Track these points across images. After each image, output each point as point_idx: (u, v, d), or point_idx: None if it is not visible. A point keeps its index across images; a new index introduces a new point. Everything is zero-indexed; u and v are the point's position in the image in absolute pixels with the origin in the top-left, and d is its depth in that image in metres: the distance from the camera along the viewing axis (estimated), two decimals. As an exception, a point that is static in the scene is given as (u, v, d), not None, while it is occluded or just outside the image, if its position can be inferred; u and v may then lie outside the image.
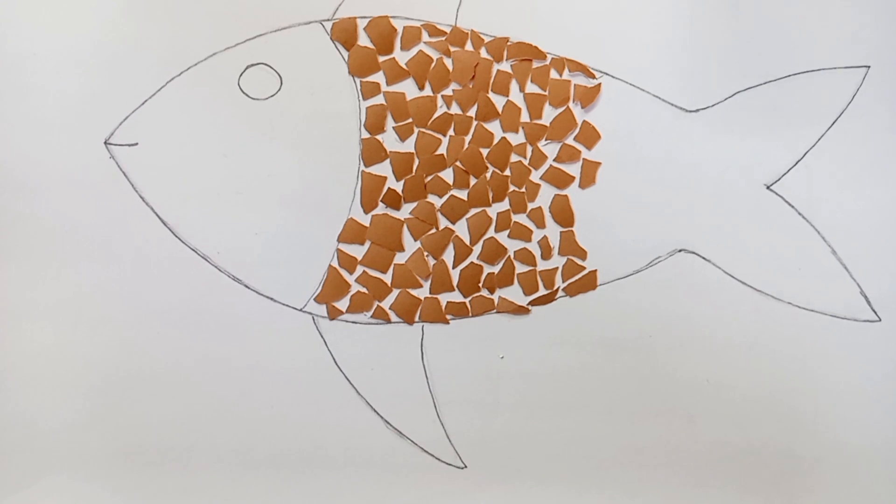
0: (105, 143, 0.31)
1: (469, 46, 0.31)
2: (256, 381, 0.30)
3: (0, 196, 0.31)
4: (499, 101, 0.31)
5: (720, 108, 0.31)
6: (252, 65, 0.31)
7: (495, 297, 0.31)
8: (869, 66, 0.31)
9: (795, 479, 0.30)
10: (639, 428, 0.30)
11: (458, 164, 0.31)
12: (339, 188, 0.31)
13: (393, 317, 0.31)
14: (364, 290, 0.31)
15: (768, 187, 0.31)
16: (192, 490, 0.30)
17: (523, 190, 0.31)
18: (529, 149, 0.31)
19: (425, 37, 0.31)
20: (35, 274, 0.31)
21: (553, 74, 0.32)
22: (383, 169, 0.31)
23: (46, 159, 0.31)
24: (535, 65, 0.32)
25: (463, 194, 0.31)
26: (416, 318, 0.31)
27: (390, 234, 0.31)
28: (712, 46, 0.31)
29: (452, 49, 0.31)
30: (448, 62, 0.31)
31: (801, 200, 0.31)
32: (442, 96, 0.31)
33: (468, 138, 0.31)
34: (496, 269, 0.31)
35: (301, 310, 0.31)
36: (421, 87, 0.31)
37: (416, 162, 0.31)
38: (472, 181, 0.31)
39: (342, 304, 0.31)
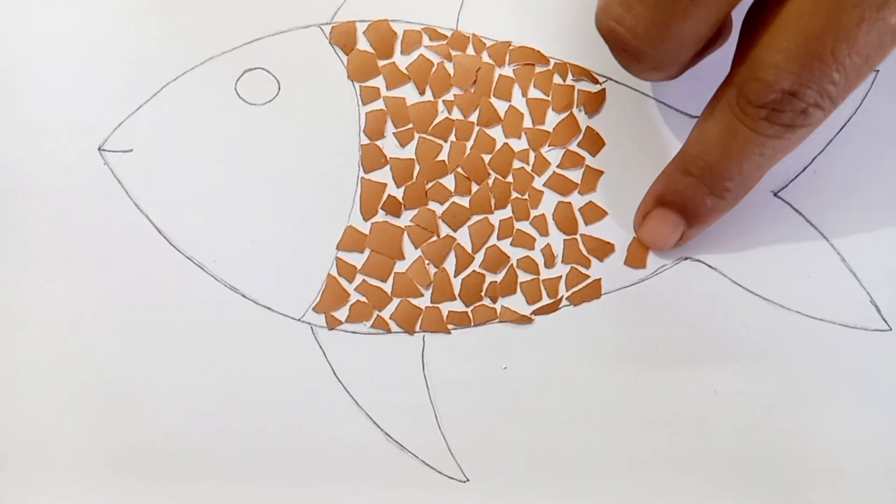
0: (99, 149, 0.30)
1: (471, 50, 0.31)
2: (253, 392, 0.30)
3: (-9, 203, 0.30)
4: (501, 107, 0.31)
5: (726, 114, 0.30)
6: (249, 69, 0.31)
7: (498, 306, 0.30)
8: (878, 70, 0.31)
9: (806, 491, 0.30)
10: (645, 439, 0.30)
11: (459, 170, 0.31)
12: (338, 195, 0.30)
13: (393, 326, 0.30)
14: (364, 299, 0.30)
15: (775, 194, 0.31)
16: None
17: (526, 197, 0.31)
18: (532, 155, 0.31)
19: (426, 41, 0.31)
20: (27, 282, 0.30)
21: (556, 79, 0.31)
22: (383, 175, 0.31)
23: (39, 165, 0.30)
24: (538, 69, 0.31)
25: (465, 201, 0.31)
26: (417, 328, 0.30)
27: (390, 241, 0.30)
28: (718, 51, 0.30)
29: (454, 53, 0.31)
30: (449, 66, 0.31)
31: (809, 207, 0.31)
32: (443, 101, 0.31)
33: (470, 144, 0.31)
34: (498, 277, 0.31)
35: (299, 319, 0.30)
36: (421, 92, 0.31)
37: (417, 168, 0.31)
38: (474, 188, 0.31)
39: (341, 314, 0.30)
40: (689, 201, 0.28)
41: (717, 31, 0.25)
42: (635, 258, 0.31)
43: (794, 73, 0.22)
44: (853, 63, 0.22)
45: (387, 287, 0.30)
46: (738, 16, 0.25)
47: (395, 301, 0.30)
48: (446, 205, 0.31)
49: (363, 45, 0.31)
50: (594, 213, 0.31)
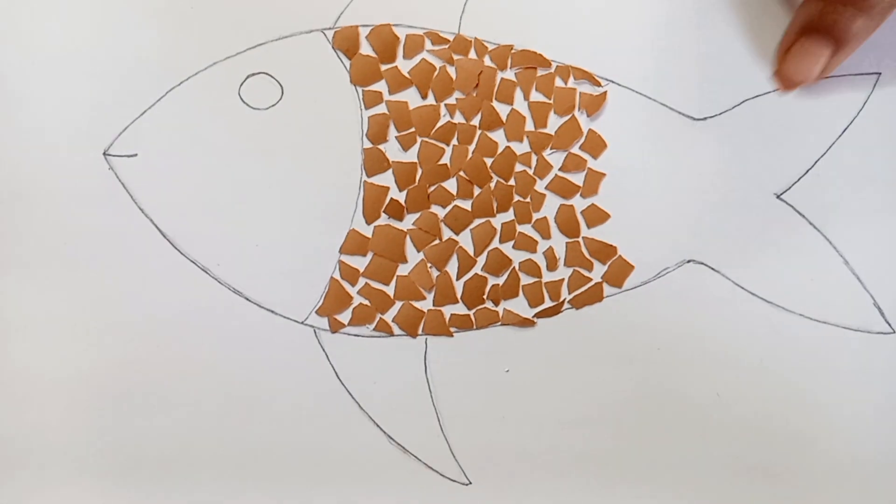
0: (104, 153, 0.30)
1: (472, 54, 0.31)
2: (256, 395, 0.30)
3: (-3, 208, 0.30)
4: (503, 110, 0.31)
5: (728, 116, 0.30)
6: (253, 74, 0.31)
7: (500, 309, 0.30)
8: (880, 73, 0.31)
9: (809, 494, 0.30)
10: (648, 443, 0.30)
11: (461, 173, 0.31)
12: (341, 199, 0.31)
13: (396, 329, 0.30)
14: (366, 302, 0.30)
15: (778, 196, 0.31)
16: (192, 507, 0.30)
17: (528, 200, 0.31)
18: (534, 158, 0.31)
19: (428, 45, 0.31)
20: (31, 285, 0.30)
21: (558, 82, 0.31)
22: (386, 179, 0.31)
23: (44, 170, 0.30)
24: (540, 73, 0.31)
25: (467, 204, 0.31)
26: (420, 331, 0.30)
27: (393, 245, 0.30)
28: (720, 53, 0.30)
29: (456, 57, 0.31)
30: (451, 70, 0.31)
31: (812, 210, 0.31)
32: (445, 105, 0.31)
33: (472, 147, 0.31)
34: (501, 280, 0.31)
35: (302, 322, 0.30)
36: (424, 96, 0.31)
37: (419, 172, 0.31)
38: (476, 191, 0.31)
39: (344, 317, 0.30)
40: (835, 24, 0.27)
41: None
42: (614, 277, 0.30)
43: None
44: None
45: (389, 290, 0.30)
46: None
47: (398, 304, 0.30)
48: (448, 208, 0.31)
49: (366, 49, 0.31)
50: (596, 216, 0.31)
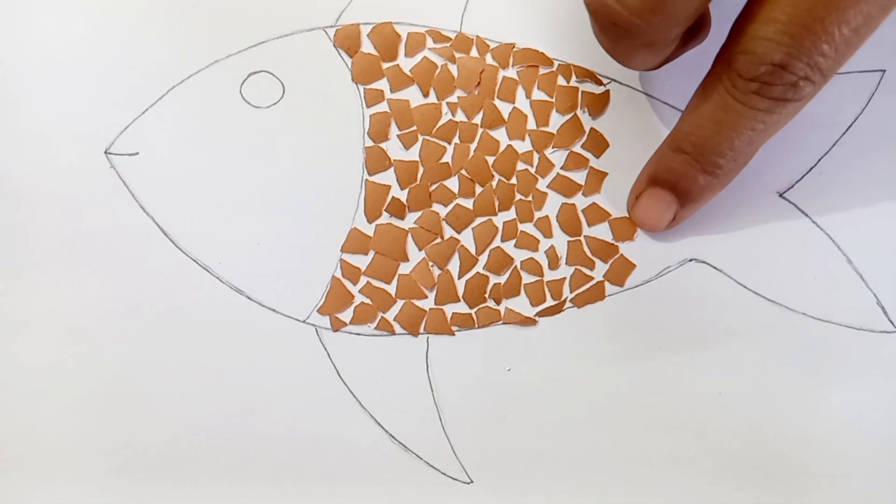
0: (105, 152, 0.31)
1: (474, 52, 0.31)
2: (258, 394, 0.30)
3: (-1, 206, 0.30)
4: (505, 108, 0.31)
5: (731, 115, 0.30)
6: (254, 72, 0.31)
7: (502, 307, 0.30)
8: (884, 70, 0.31)
9: (810, 493, 0.29)
10: (649, 441, 0.30)
11: (463, 172, 0.31)
12: (343, 197, 0.31)
13: (397, 328, 0.30)
14: (368, 301, 0.30)
15: (781, 195, 0.31)
16: (194, 505, 0.30)
17: (530, 198, 0.31)
18: (536, 157, 0.31)
19: (430, 43, 0.31)
20: (32, 284, 0.30)
21: (560, 81, 0.31)
22: (387, 177, 0.31)
23: (45, 169, 0.30)
24: (542, 71, 0.31)
25: (468, 203, 0.31)
26: (421, 330, 0.30)
27: (394, 243, 0.30)
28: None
29: (457, 55, 0.31)
30: (453, 69, 0.31)
31: (815, 208, 0.31)
32: (447, 103, 0.31)
33: (474, 146, 0.31)
34: (502, 279, 0.31)
35: (304, 321, 0.30)
36: (425, 94, 0.31)
37: (421, 170, 0.31)
38: (478, 189, 0.31)
39: (345, 316, 0.30)
40: (680, 179, 0.28)
41: (699, 24, 0.25)
42: (615, 275, 0.30)
43: (785, 44, 0.22)
44: (843, 35, 0.22)
45: (391, 289, 0.30)
46: (721, 11, 0.25)
47: (399, 303, 0.30)
48: (450, 207, 0.31)
49: (367, 47, 0.31)
50: (598, 215, 0.31)
